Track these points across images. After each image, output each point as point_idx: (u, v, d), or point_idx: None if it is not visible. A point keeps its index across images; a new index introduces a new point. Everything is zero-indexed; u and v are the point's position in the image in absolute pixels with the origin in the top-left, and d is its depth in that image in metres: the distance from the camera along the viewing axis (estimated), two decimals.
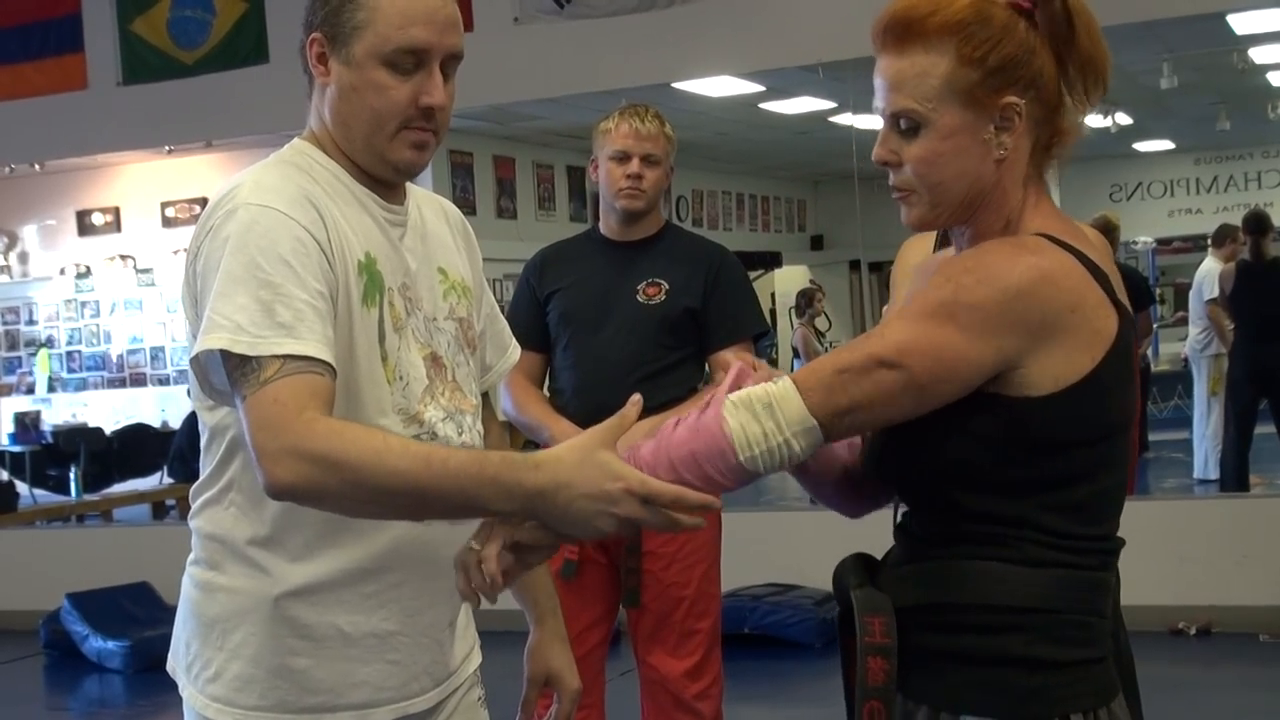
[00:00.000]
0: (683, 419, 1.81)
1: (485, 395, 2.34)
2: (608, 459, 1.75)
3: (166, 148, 10.45)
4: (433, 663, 2.15)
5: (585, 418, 3.77)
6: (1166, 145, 18.84)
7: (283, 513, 1.99)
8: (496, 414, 2.45)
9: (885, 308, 3.63)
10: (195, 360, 1.91)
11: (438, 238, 2.23)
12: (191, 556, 2.12)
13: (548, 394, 3.99)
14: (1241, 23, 9.40)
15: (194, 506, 2.11)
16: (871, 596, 1.85)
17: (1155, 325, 12.47)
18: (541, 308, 3.93)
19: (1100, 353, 1.77)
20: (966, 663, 1.81)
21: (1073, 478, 1.79)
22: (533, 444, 3.85)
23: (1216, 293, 9.62)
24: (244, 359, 1.84)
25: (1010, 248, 1.78)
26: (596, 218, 4.04)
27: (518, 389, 3.89)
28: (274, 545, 2.03)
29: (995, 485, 1.79)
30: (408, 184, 2.19)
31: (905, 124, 1.83)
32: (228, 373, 1.88)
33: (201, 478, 2.10)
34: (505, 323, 2.44)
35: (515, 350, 2.44)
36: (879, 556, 1.96)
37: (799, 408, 1.74)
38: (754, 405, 1.76)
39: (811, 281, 15.82)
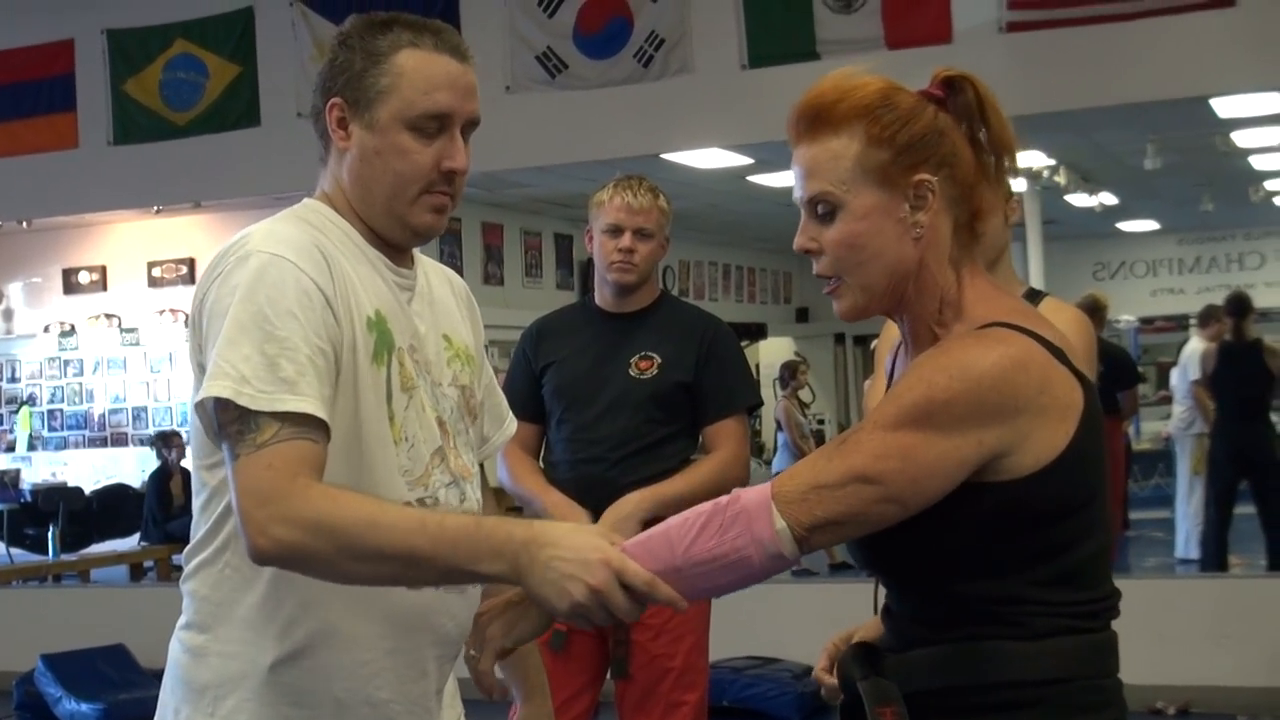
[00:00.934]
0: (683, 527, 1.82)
1: (480, 465, 2.34)
2: (597, 536, 1.80)
3: (155, 208, 10.47)
4: None
5: (577, 491, 3.79)
6: (1150, 225, 18.98)
7: (279, 576, 1.97)
8: (489, 483, 2.45)
9: (867, 381, 3.65)
10: (200, 405, 1.90)
11: (444, 305, 2.24)
12: (182, 620, 2.09)
13: (543, 465, 4.00)
14: (1225, 107, 9.50)
15: (187, 568, 2.08)
16: (879, 686, 1.85)
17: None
18: (537, 380, 3.94)
19: (1073, 425, 1.80)
20: None
21: (1063, 546, 1.81)
22: (518, 510, 3.85)
23: (1199, 373, 9.67)
24: (243, 414, 1.84)
25: (975, 341, 1.80)
26: (585, 286, 4.06)
27: (514, 460, 3.92)
28: (271, 608, 2.00)
29: (988, 567, 1.81)
30: (415, 251, 2.20)
31: (822, 209, 1.87)
32: (222, 423, 1.87)
33: (195, 539, 2.07)
34: (503, 395, 2.44)
35: (512, 423, 2.44)
36: (856, 628, 2.00)
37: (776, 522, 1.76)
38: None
39: (796, 354, 15.87)
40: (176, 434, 12.03)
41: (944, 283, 1.87)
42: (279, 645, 2.00)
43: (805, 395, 12.96)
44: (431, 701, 2.15)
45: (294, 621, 2.00)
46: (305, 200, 2.14)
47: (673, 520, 1.83)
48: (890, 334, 3.09)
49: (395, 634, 2.05)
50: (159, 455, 11.59)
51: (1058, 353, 1.82)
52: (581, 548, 1.76)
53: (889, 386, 2.08)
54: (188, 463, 11.59)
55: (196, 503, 2.08)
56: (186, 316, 13.07)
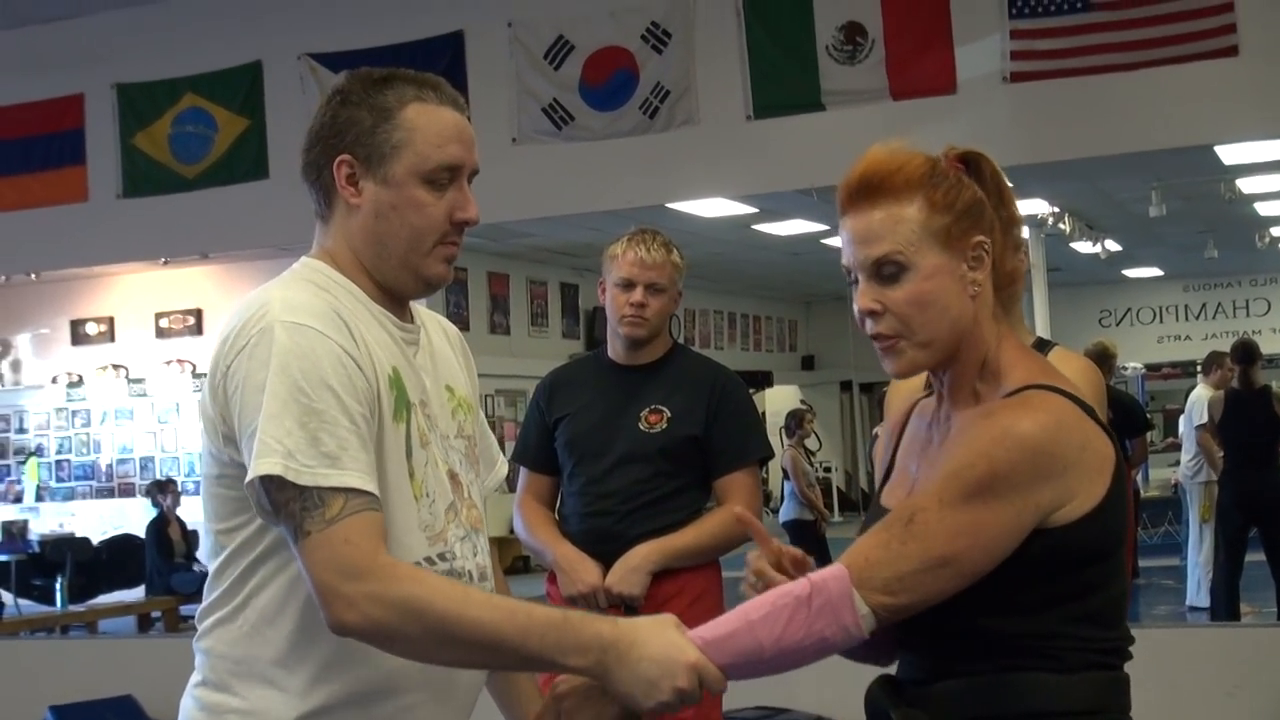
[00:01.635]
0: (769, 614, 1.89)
1: None
2: (679, 635, 1.89)
3: (163, 259, 10.52)
4: None
5: (588, 543, 3.81)
6: (1155, 272, 19.01)
7: (299, 633, 1.99)
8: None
9: (876, 429, 3.67)
10: (250, 485, 1.91)
11: (443, 355, 2.26)
12: (197, 678, 2.09)
13: (557, 517, 4.01)
14: (1229, 154, 9.54)
15: (203, 627, 2.08)
16: (912, 717, 1.95)
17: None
18: (550, 432, 3.96)
19: (1109, 476, 1.92)
20: None
21: (1094, 587, 1.93)
22: (523, 559, 3.85)
23: (1206, 419, 9.65)
24: (302, 490, 1.87)
25: (1020, 407, 1.91)
26: (590, 335, 4.08)
27: (529, 511, 3.95)
28: (291, 665, 2.01)
29: (1027, 605, 1.91)
30: (412, 303, 2.22)
31: (888, 270, 1.96)
32: (279, 501, 1.89)
33: (212, 597, 2.07)
34: (492, 437, 2.45)
35: (503, 465, 2.45)
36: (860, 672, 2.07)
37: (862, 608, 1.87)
38: None
39: (802, 402, 15.86)
40: (171, 481, 12.05)
41: (989, 340, 1.99)
42: (300, 704, 2.00)
43: (811, 444, 12.95)
44: None
45: (317, 680, 2.00)
46: (304, 260, 2.14)
47: (751, 612, 1.90)
48: (904, 386, 3.14)
49: (415, 689, 2.05)
50: (155, 503, 11.59)
51: (1089, 410, 1.94)
52: (668, 649, 1.86)
53: (899, 439, 2.18)
54: (183, 511, 11.66)
55: (212, 564, 2.08)
56: (194, 367, 13.10)
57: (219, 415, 1.98)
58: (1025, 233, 2.17)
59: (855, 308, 1.99)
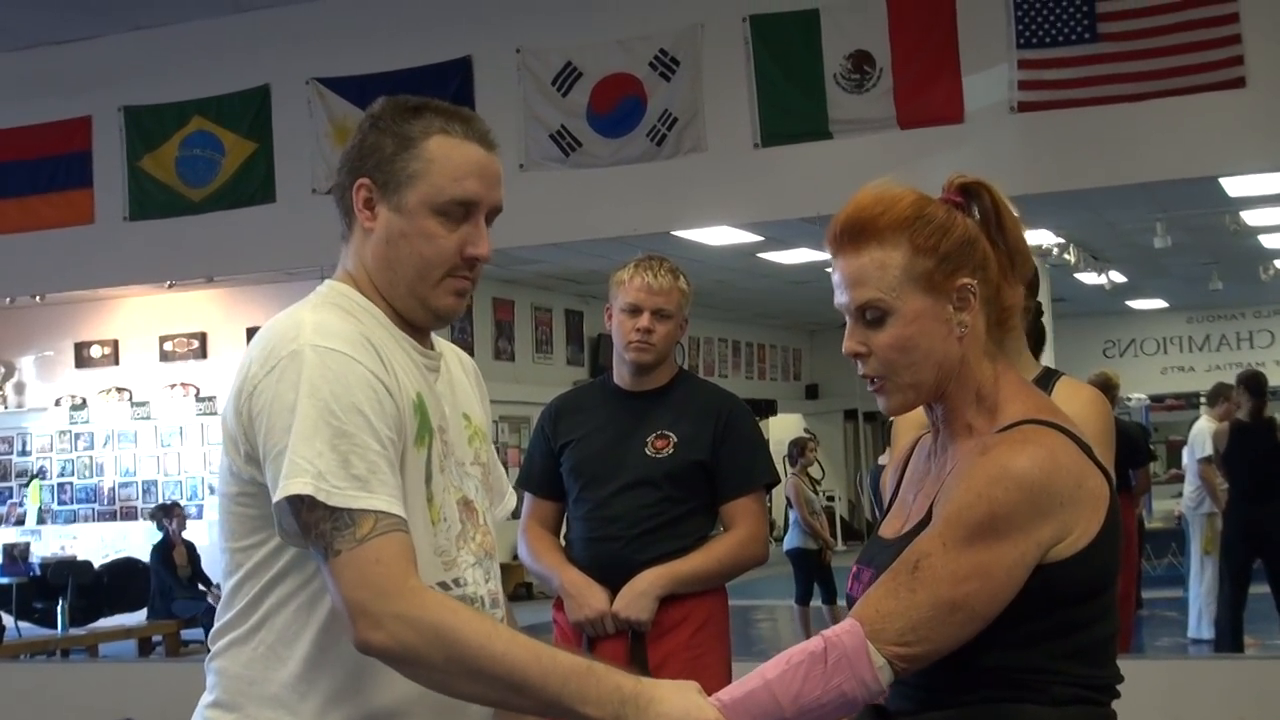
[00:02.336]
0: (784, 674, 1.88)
1: None
2: (698, 695, 1.88)
3: (168, 283, 10.53)
4: None
5: (594, 568, 3.80)
6: (1160, 304, 19.03)
7: (314, 655, 1.99)
8: None
9: (881, 457, 3.67)
10: (279, 505, 1.91)
11: (460, 383, 2.27)
12: (209, 698, 2.08)
13: (563, 542, 4.00)
14: (1234, 186, 9.55)
15: (216, 647, 2.08)
16: None
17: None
18: (556, 458, 3.96)
19: (1103, 513, 1.92)
20: None
21: (1083, 624, 1.93)
22: (525, 585, 3.84)
23: (1209, 451, 9.63)
24: (333, 511, 1.87)
25: (1016, 444, 1.91)
26: (595, 361, 4.08)
27: (533, 537, 3.95)
28: (304, 690, 2.00)
29: (1016, 639, 1.91)
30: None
31: (871, 315, 1.99)
32: (309, 521, 1.90)
33: (226, 618, 2.07)
34: (502, 468, 2.46)
35: (512, 498, 2.45)
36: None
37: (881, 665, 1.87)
38: None
39: (806, 430, 15.86)
40: (177, 505, 12.03)
41: (981, 376, 2.01)
42: None
43: (815, 472, 12.93)
44: None
45: (330, 705, 2.00)
46: (329, 283, 2.15)
47: (768, 672, 1.90)
48: (910, 415, 3.16)
49: (426, 712, 2.04)
50: (160, 527, 11.57)
51: (1085, 448, 1.94)
52: (688, 708, 1.85)
53: (903, 470, 2.20)
54: (189, 534, 11.65)
55: (227, 584, 2.08)
56: (197, 390, 13.09)
57: (241, 434, 1.99)
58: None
59: (844, 348, 2.02)
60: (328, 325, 2.01)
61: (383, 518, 1.88)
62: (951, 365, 1.99)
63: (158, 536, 11.59)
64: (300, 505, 1.89)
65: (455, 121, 2.10)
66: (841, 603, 10.04)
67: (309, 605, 1.99)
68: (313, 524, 1.89)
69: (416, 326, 2.15)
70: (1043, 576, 1.88)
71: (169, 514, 11.64)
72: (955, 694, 1.93)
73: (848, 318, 2.01)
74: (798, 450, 12.06)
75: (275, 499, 1.90)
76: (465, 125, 2.11)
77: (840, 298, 2.02)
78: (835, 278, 2.02)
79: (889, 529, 2.11)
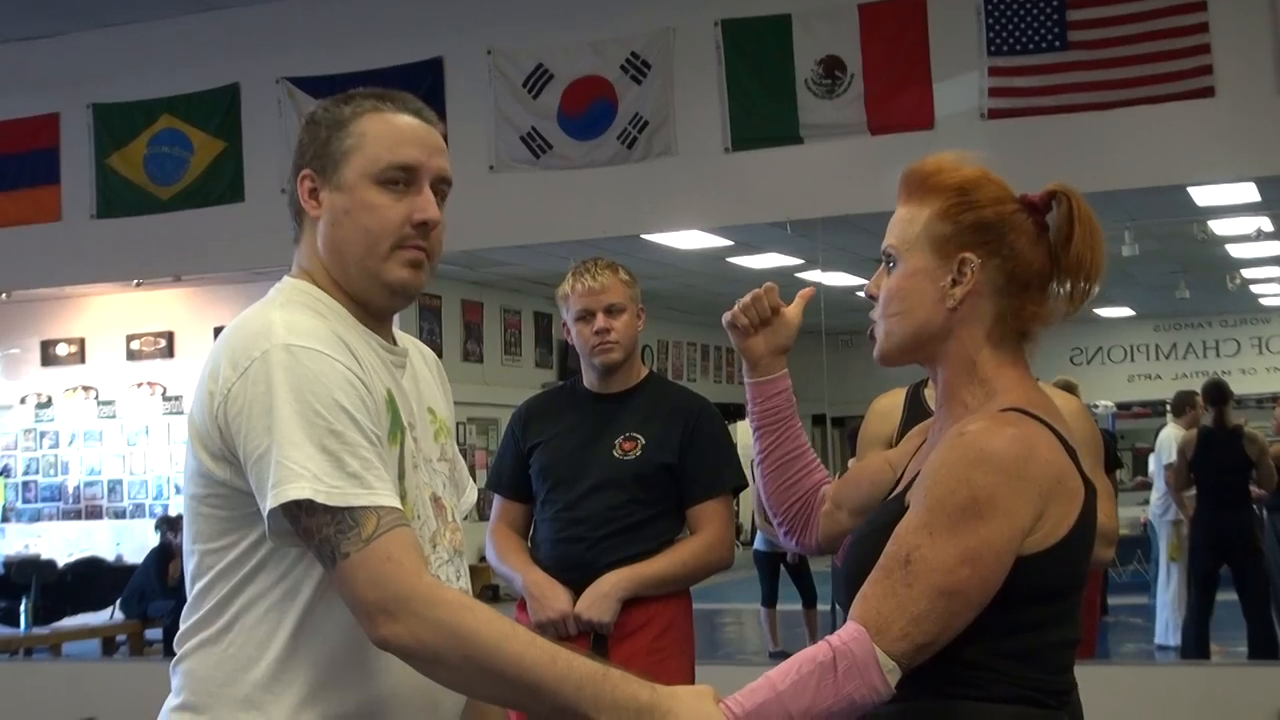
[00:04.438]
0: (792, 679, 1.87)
1: None
2: (714, 707, 1.86)
3: (135, 281, 10.47)
4: None
5: (559, 570, 3.80)
6: (1127, 312, 19.08)
7: (286, 655, 1.97)
8: None
9: (851, 460, 3.67)
10: (273, 513, 1.88)
11: (425, 379, 2.26)
12: (176, 701, 2.05)
13: (530, 544, 4.00)
14: (1202, 195, 9.57)
15: (183, 649, 2.05)
16: None
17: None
18: (525, 460, 3.96)
19: (1076, 514, 1.92)
20: None
21: (1033, 626, 1.93)
22: (492, 588, 3.84)
23: (1173, 458, 9.68)
24: (334, 513, 1.85)
25: (992, 427, 1.92)
26: (564, 364, 4.08)
27: (501, 538, 3.95)
28: (276, 688, 1.98)
29: (964, 635, 1.89)
30: (394, 328, 2.20)
31: (886, 261, 2.05)
32: (310, 525, 1.87)
33: (193, 619, 2.04)
34: (463, 462, 2.45)
35: (473, 491, 2.43)
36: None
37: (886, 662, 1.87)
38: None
39: None
40: (181, 518, 11.90)
41: (977, 359, 2.03)
42: None
43: None
44: None
45: (302, 705, 1.98)
46: (288, 280, 2.13)
47: (777, 680, 1.89)
48: (880, 408, 3.20)
49: (401, 711, 2.03)
50: (164, 537, 11.48)
51: (1068, 447, 1.95)
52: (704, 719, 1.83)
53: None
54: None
55: (195, 585, 2.04)
56: (164, 390, 12.96)
57: (215, 437, 1.95)
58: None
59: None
60: (299, 324, 1.98)
61: (385, 513, 1.87)
62: (932, 331, 2.03)
63: (126, 538, 11.48)
64: (299, 510, 1.86)
65: (387, 100, 2.10)
66: (823, 606, 10.05)
67: (280, 606, 1.98)
68: (315, 529, 1.87)
69: (378, 313, 2.12)
70: (1013, 569, 1.88)
71: (174, 527, 11.54)
72: (902, 687, 1.90)
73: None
74: None
75: (269, 506, 1.87)
76: (398, 102, 2.11)
77: None
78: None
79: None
